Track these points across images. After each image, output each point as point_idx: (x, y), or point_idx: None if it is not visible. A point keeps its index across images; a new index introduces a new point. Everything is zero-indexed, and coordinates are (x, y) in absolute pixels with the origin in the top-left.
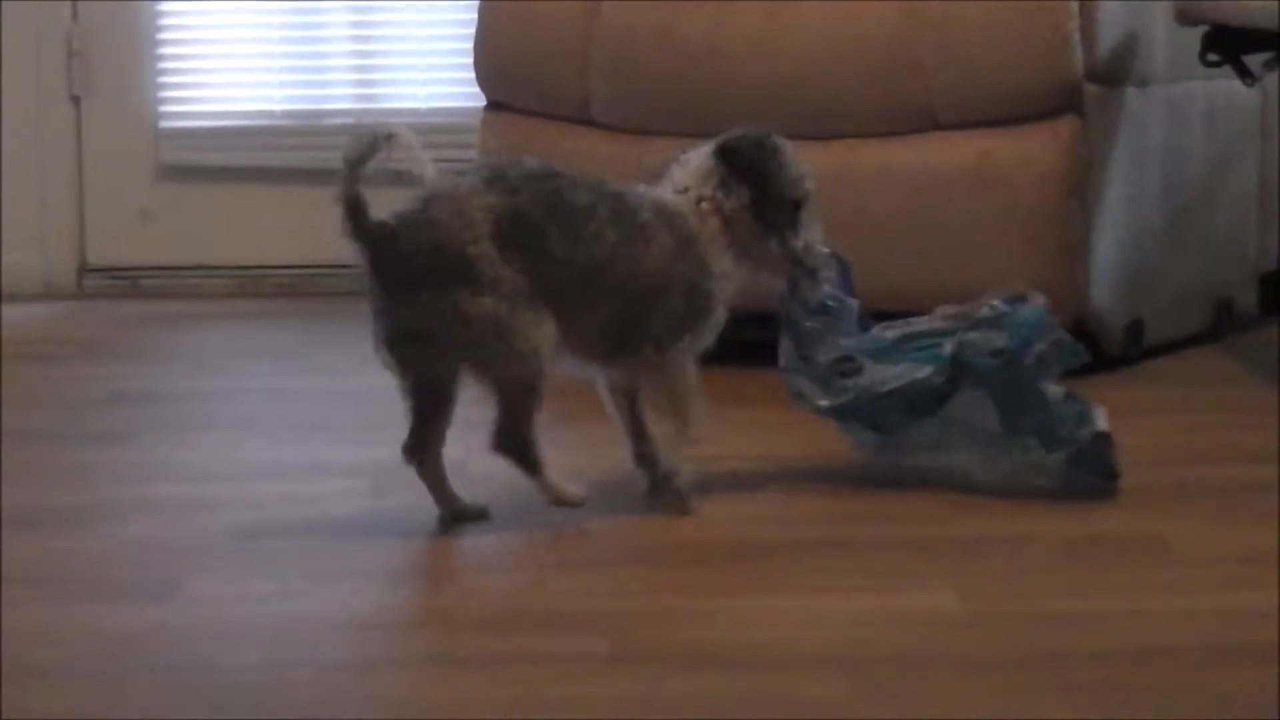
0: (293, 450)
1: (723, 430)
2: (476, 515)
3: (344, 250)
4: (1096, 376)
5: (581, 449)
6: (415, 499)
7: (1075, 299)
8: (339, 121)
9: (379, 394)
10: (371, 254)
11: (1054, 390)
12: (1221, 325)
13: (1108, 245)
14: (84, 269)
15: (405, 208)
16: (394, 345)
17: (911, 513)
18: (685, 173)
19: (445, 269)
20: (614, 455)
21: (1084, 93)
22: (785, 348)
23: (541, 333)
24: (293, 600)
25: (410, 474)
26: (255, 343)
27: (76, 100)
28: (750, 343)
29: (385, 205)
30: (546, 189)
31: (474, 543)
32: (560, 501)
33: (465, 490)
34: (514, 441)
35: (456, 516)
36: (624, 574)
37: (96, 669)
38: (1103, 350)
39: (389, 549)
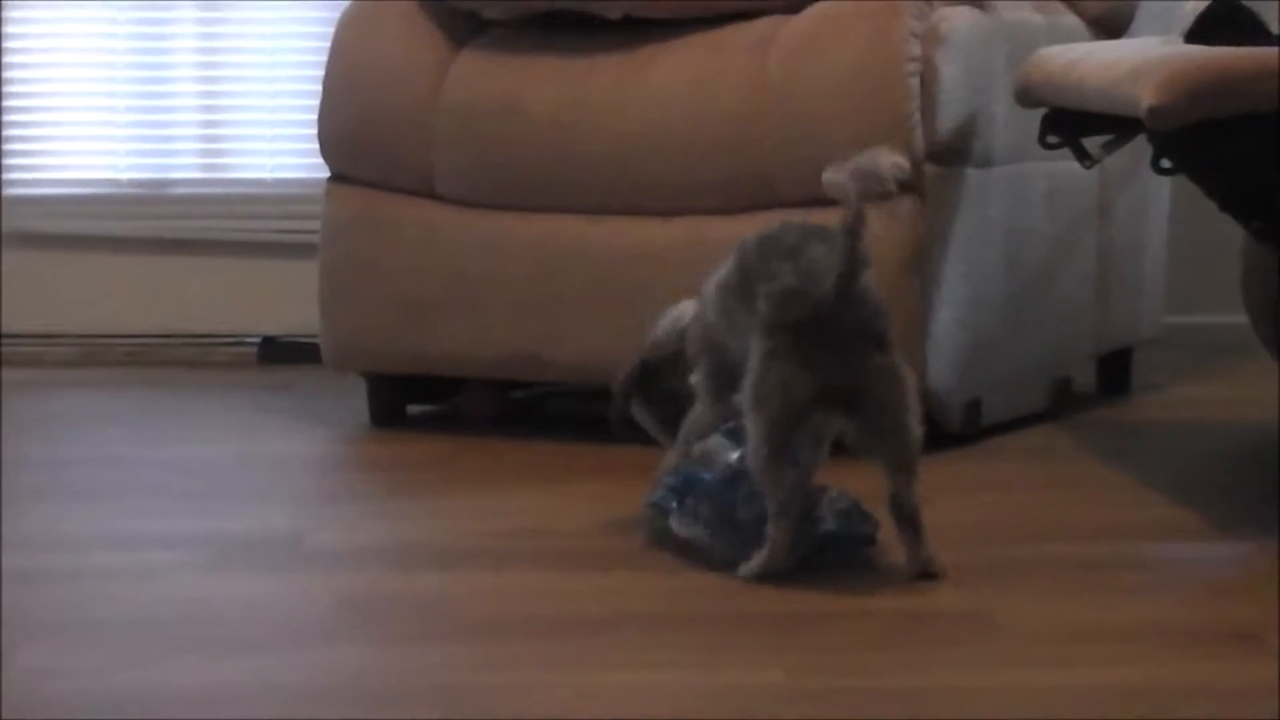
0: (133, 520)
1: (553, 503)
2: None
3: (188, 320)
4: (933, 454)
5: (424, 520)
6: (253, 570)
7: (914, 377)
8: (185, 190)
9: (221, 464)
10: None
11: None
12: (1060, 404)
13: (947, 324)
14: None
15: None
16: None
17: (739, 587)
18: None
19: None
20: (454, 528)
21: (924, 173)
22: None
23: None
24: (125, 672)
25: (243, 546)
26: (99, 411)
27: None
28: (581, 417)
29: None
30: None
31: (310, 616)
32: (930, 572)
33: (303, 566)
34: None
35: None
36: (455, 648)
37: None
38: (941, 428)
39: (224, 622)
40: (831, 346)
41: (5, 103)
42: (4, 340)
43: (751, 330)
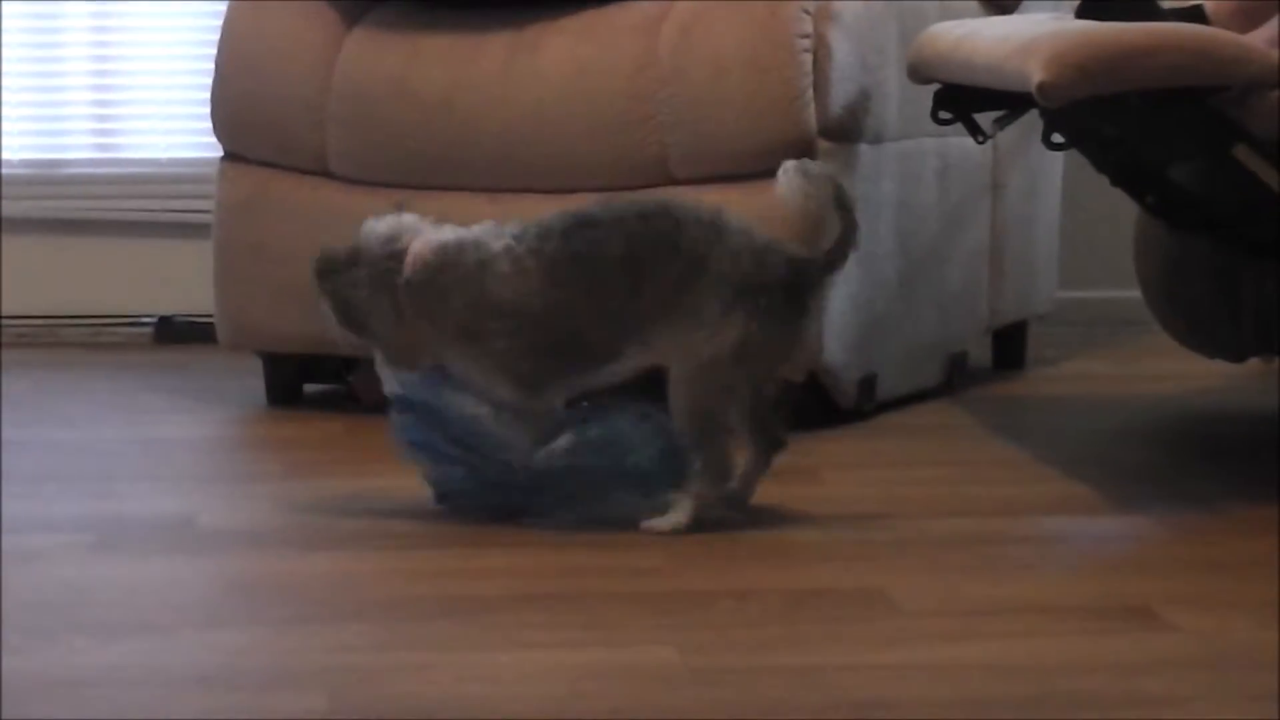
0: (19, 503)
1: None
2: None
3: (82, 300)
4: (829, 430)
5: (316, 501)
6: (144, 552)
7: (808, 354)
8: (77, 171)
9: (115, 445)
10: None
11: None
12: (954, 379)
13: (841, 300)
14: None
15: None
16: None
17: (631, 566)
18: None
19: None
20: (345, 509)
21: (817, 149)
22: None
23: None
24: (10, 656)
25: (134, 528)
26: None
27: None
28: None
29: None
30: None
31: (199, 598)
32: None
33: (194, 548)
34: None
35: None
36: (342, 629)
37: None
38: (836, 404)
39: (110, 605)
40: None
41: None
42: None
43: None
